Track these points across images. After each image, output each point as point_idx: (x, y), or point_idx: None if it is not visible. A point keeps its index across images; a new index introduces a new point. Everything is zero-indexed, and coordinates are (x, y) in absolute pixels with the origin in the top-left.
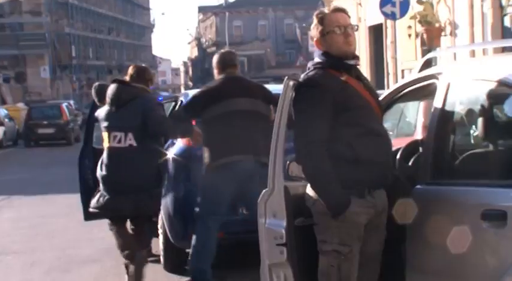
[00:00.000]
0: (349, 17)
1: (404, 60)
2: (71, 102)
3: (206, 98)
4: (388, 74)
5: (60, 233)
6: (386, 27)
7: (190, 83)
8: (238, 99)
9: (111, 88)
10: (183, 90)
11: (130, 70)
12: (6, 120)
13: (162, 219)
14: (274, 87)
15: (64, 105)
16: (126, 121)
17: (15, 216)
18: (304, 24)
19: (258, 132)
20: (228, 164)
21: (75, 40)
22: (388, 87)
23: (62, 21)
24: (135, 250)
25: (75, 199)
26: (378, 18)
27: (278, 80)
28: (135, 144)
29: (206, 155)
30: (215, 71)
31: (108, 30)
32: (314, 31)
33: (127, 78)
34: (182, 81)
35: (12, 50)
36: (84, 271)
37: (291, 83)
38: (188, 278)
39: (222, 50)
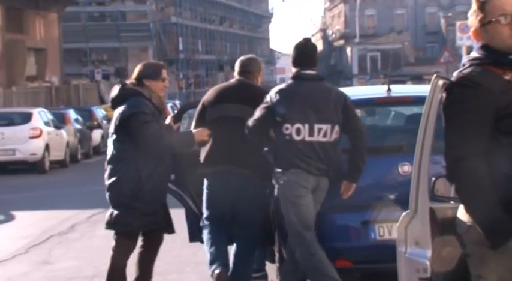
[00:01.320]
0: None
1: None
2: (177, 102)
3: (206, 99)
4: None
5: (161, 254)
6: None
7: None
8: (230, 105)
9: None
10: None
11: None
12: (104, 122)
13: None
14: (414, 89)
15: (169, 106)
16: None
17: (112, 233)
18: (450, 13)
19: (245, 141)
20: (212, 173)
21: (183, 31)
22: None
23: (169, 9)
24: None
25: (180, 214)
26: None
27: (417, 79)
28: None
29: (200, 157)
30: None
31: (220, 20)
32: (472, 19)
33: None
34: None
35: (113, 43)
36: None
37: (441, 82)
38: None
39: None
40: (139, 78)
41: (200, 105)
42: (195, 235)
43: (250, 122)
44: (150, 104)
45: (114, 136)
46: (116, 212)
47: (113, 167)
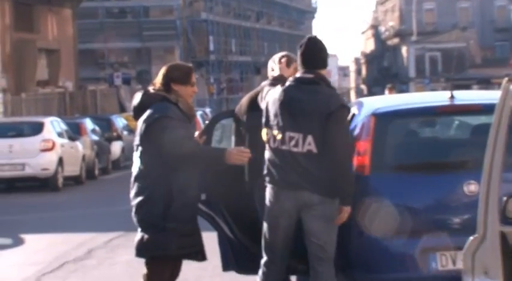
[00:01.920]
0: None
1: None
2: (207, 110)
3: (239, 108)
4: None
5: None
6: None
7: (364, 87)
8: (255, 113)
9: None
10: (353, 97)
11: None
12: (125, 132)
13: None
14: (481, 95)
15: (198, 114)
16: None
17: (134, 259)
18: None
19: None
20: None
21: (214, 29)
22: None
23: (198, 4)
24: None
25: (213, 238)
26: None
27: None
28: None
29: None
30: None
31: (257, 16)
32: None
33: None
34: (353, 84)
35: (135, 42)
36: None
37: None
38: None
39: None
40: (165, 83)
41: (234, 117)
42: (228, 263)
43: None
44: (177, 110)
45: (140, 148)
46: (147, 235)
47: (140, 185)
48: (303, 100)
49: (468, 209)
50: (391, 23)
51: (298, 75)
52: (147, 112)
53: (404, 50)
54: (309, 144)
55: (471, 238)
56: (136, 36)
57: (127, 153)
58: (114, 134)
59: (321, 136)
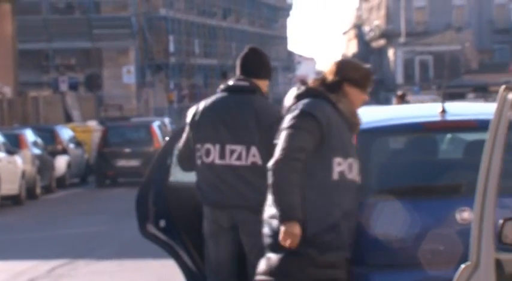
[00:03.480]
0: None
1: None
2: (166, 120)
3: None
4: None
5: None
6: None
7: None
8: None
9: None
10: None
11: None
12: (71, 145)
13: None
14: (478, 108)
15: (155, 125)
16: None
17: None
18: None
19: None
20: None
21: (175, 28)
22: None
23: None
24: None
25: (170, 266)
26: None
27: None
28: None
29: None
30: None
31: (224, 13)
32: None
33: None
34: None
35: (83, 42)
36: None
37: (511, 96)
38: None
39: None
40: (339, 80)
41: None
42: None
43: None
44: (335, 113)
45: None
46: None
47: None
48: (241, 111)
49: (461, 239)
50: (376, 22)
51: (231, 82)
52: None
53: (391, 53)
54: (254, 156)
55: (462, 266)
56: (85, 35)
57: (73, 169)
58: (59, 147)
59: (264, 147)
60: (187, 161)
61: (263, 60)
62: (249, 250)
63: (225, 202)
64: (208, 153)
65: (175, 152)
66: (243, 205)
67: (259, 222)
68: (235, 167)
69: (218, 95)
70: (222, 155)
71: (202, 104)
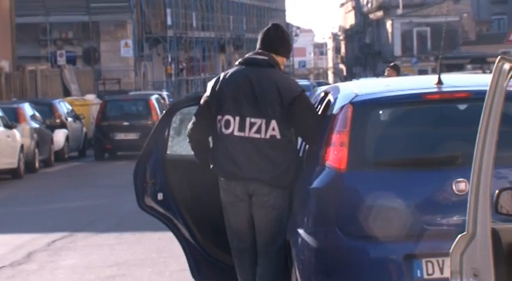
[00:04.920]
0: None
1: None
2: (164, 93)
3: None
4: None
5: None
6: None
7: (343, 67)
8: None
9: None
10: (331, 78)
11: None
12: (70, 119)
13: None
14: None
15: (153, 98)
16: None
17: (79, 263)
18: None
19: None
20: None
21: (172, 1)
22: None
23: None
24: None
25: (169, 238)
26: None
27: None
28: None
29: None
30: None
31: None
32: None
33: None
34: (331, 64)
35: (80, 16)
36: None
37: (507, 66)
38: None
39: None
40: None
41: None
42: (196, 271)
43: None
44: None
45: None
46: None
47: None
48: (262, 84)
49: (457, 211)
50: None
51: (250, 55)
52: None
53: (388, 24)
54: (273, 129)
55: (459, 236)
56: (82, 9)
57: (72, 142)
58: (57, 120)
59: (285, 122)
60: (199, 132)
61: (284, 37)
62: (258, 221)
63: (241, 173)
64: (227, 124)
65: (189, 125)
66: (258, 177)
67: (271, 194)
68: (253, 139)
69: (237, 67)
70: (241, 127)
71: (222, 76)
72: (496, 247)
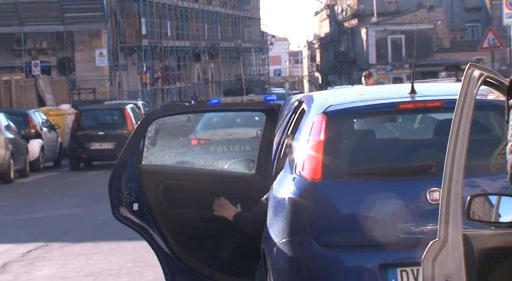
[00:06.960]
0: None
1: None
2: (140, 103)
3: None
4: None
5: None
6: None
7: (318, 75)
8: None
9: None
10: (306, 87)
11: None
12: (45, 129)
13: None
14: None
15: (129, 107)
16: None
17: (55, 273)
18: None
19: None
20: None
21: (147, 10)
22: None
23: None
24: None
25: (144, 248)
26: None
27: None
28: None
29: None
30: None
31: None
32: None
33: None
34: (306, 72)
35: (55, 26)
36: None
37: (477, 73)
38: None
39: None
40: None
41: None
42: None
43: None
44: None
45: None
46: None
47: None
48: None
49: (431, 220)
50: (348, 2)
51: None
52: None
53: (363, 32)
54: None
55: (431, 242)
56: (57, 19)
57: (47, 152)
58: (32, 131)
59: None
60: None
61: None
62: None
63: None
64: None
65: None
66: None
67: None
68: None
69: None
70: None
71: None
72: (467, 253)
